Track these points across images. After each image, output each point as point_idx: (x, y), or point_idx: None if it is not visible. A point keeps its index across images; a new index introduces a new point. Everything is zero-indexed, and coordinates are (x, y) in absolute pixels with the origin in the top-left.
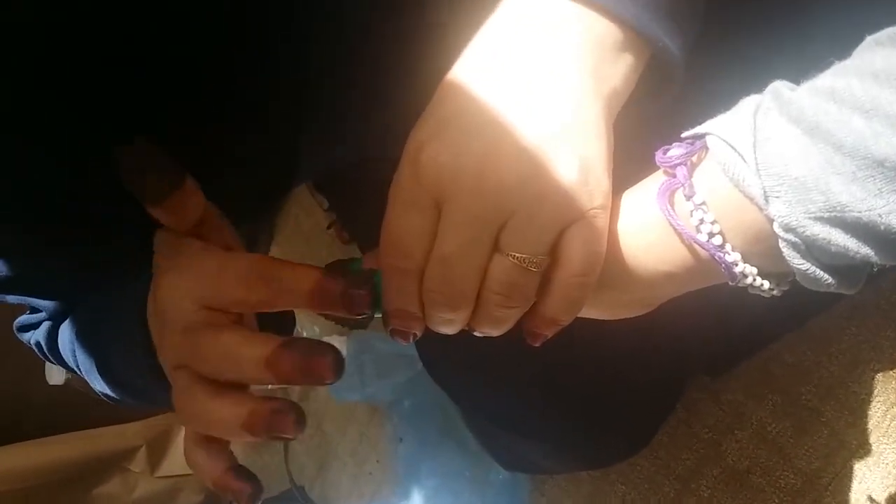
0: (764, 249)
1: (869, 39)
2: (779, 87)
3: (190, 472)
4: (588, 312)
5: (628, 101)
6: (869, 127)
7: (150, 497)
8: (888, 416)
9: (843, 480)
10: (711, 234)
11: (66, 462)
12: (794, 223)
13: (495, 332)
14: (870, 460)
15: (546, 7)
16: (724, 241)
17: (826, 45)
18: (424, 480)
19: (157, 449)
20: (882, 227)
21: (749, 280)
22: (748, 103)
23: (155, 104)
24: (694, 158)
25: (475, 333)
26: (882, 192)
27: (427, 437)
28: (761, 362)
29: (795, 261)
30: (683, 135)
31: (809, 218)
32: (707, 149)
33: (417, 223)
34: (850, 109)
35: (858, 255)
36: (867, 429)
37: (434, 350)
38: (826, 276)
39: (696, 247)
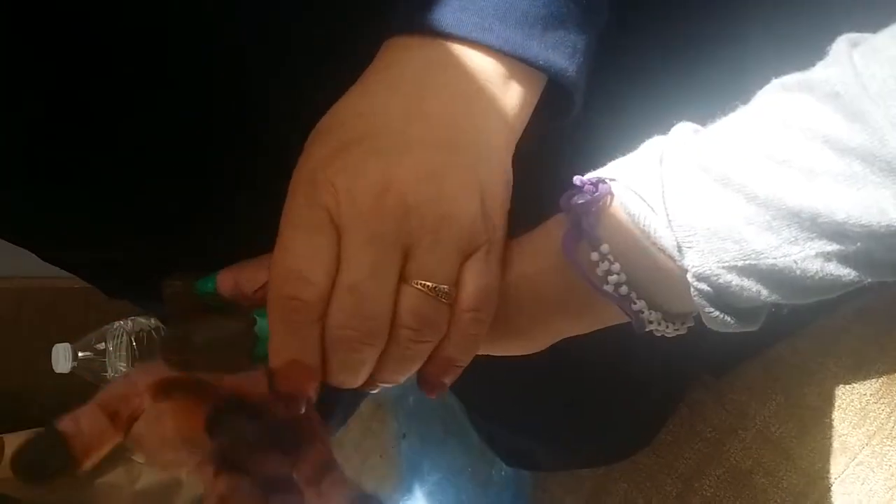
0: (672, 295)
1: (775, 83)
2: (685, 130)
3: None
4: (484, 349)
5: (530, 126)
6: (783, 177)
7: (153, 487)
8: (892, 417)
9: (846, 482)
10: (618, 285)
11: None
12: (708, 272)
13: (399, 378)
14: (873, 462)
15: (435, 49)
16: (630, 289)
17: (731, 76)
18: (427, 476)
19: None
20: (798, 273)
21: (653, 326)
22: (653, 147)
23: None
24: (599, 204)
25: (373, 387)
26: (797, 240)
27: (430, 434)
28: (765, 362)
29: (706, 308)
30: (586, 176)
31: (723, 267)
32: (612, 194)
33: (317, 245)
34: (763, 158)
35: (769, 300)
36: (871, 430)
37: None
38: (731, 318)
39: (601, 296)
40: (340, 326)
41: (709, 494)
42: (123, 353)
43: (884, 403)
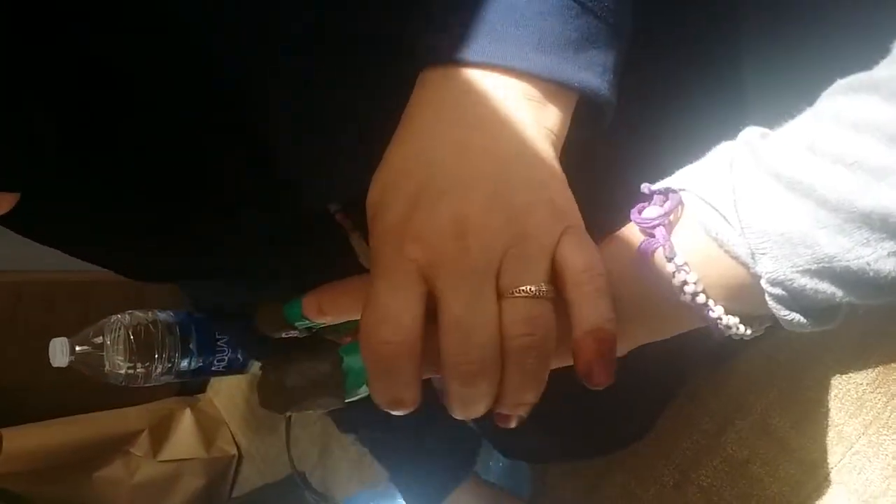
0: (748, 300)
1: (840, 83)
2: (752, 135)
3: (192, 456)
4: (558, 361)
5: (570, 136)
6: (853, 180)
7: (151, 481)
8: (889, 407)
9: (842, 471)
10: (695, 294)
11: (68, 445)
12: (782, 277)
13: (529, 396)
14: (870, 451)
15: (469, 79)
16: (708, 297)
17: (792, 83)
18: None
19: (160, 433)
20: (871, 275)
21: (732, 330)
22: (722, 155)
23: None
24: (671, 216)
25: (510, 421)
26: (869, 242)
27: None
28: (762, 353)
29: (782, 312)
30: (654, 186)
31: (797, 271)
32: (683, 205)
33: (406, 294)
34: (832, 162)
35: (844, 301)
36: (868, 420)
37: None
38: (808, 320)
39: (679, 305)
40: (453, 364)
41: (706, 484)
42: (121, 346)
43: (880, 393)
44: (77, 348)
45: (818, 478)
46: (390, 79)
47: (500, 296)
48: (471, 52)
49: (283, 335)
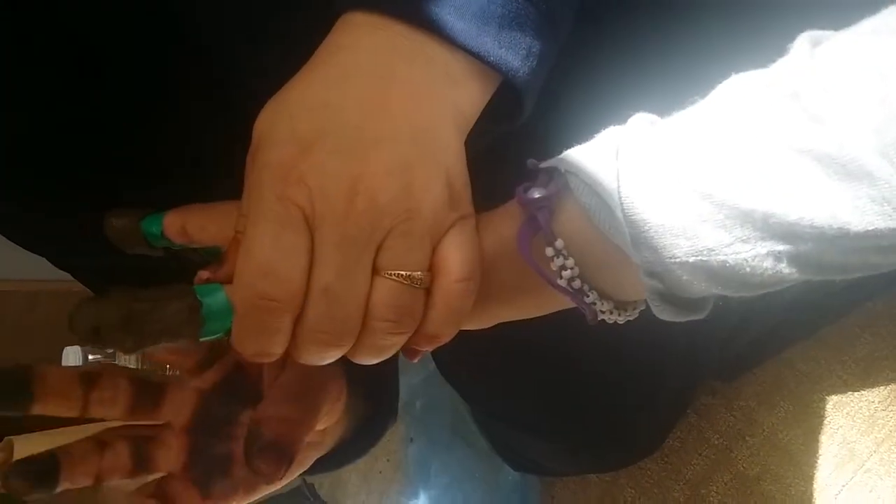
0: (623, 287)
1: (735, 78)
2: (642, 122)
3: None
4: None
5: (481, 120)
6: (738, 175)
7: None
8: None
9: (853, 489)
10: (571, 279)
11: None
12: (659, 268)
13: (373, 361)
14: (881, 469)
15: (390, 33)
16: (583, 283)
17: (692, 68)
18: (434, 480)
19: None
20: (747, 270)
21: (605, 315)
22: (609, 140)
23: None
24: (554, 198)
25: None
26: (749, 239)
27: (438, 438)
28: (774, 369)
29: (655, 301)
30: (541, 165)
31: (674, 263)
32: (568, 188)
33: (291, 243)
34: (719, 156)
35: (717, 293)
36: (880, 438)
37: (447, 351)
38: (678, 309)
39: (554, 289)
40: (313, 330)
41: (716, 501)
42: (133, 355)
43: (892, 411)
44: (89, 357)
45: (829, 495)
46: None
47: (375, 270)
48: (390, 3)
49: (135, 252)
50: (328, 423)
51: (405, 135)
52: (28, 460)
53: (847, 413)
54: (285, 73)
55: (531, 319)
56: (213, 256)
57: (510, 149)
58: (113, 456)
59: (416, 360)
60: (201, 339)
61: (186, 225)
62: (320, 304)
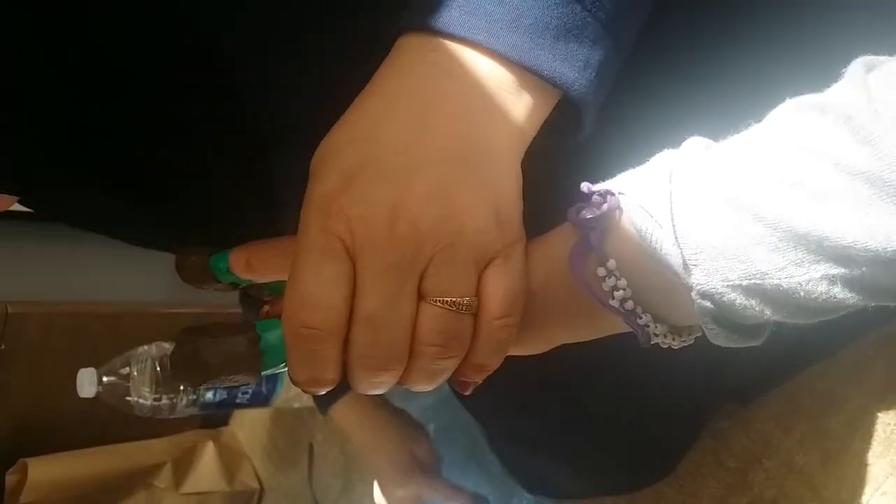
0: (676, 310)
1: (789, 103)
2: (695, 146)
3: (214, 489)
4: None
5: (539, 137)
6: (793, 200)
7: None
8: None
9: None
10: (624, 300)
11: (92, 476)
12: (713, 290)
13: (429, 387)
14: None
15: (441, 53)
16: (636, 304)
17: (744, 93)
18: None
19: (183, 465)
20: (802, 294)
21: (659, 339)
22: (663, 163)
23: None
24: (607, 220)
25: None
26: (803, 263)
27: (451, 460)
28: (790, 391)
29: (709, 325)
30: (594, 187)
31: (728, 286)
32: (620, 209)
33: (331, 274)
34: (774, 180)
35: (772, 318)
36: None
37: None
38: (733, 334)
39: (606, 310)
40: (361, 356)
41: None
42: (147, 378)
43: None
44: (104, 379)
45: None
46: (369, 42)
47: (421, 296)
48: (440, 20)
49: (206, 288)
50: None
51: (449, 156)
52: None
53: (863, 436)
54: (301, 89)
55: None
56: (278, 289)
57: (562, 171)
58: None
59: (467, 393)
60: (263, 373)
61: (251, 259)
62: (365, 331)
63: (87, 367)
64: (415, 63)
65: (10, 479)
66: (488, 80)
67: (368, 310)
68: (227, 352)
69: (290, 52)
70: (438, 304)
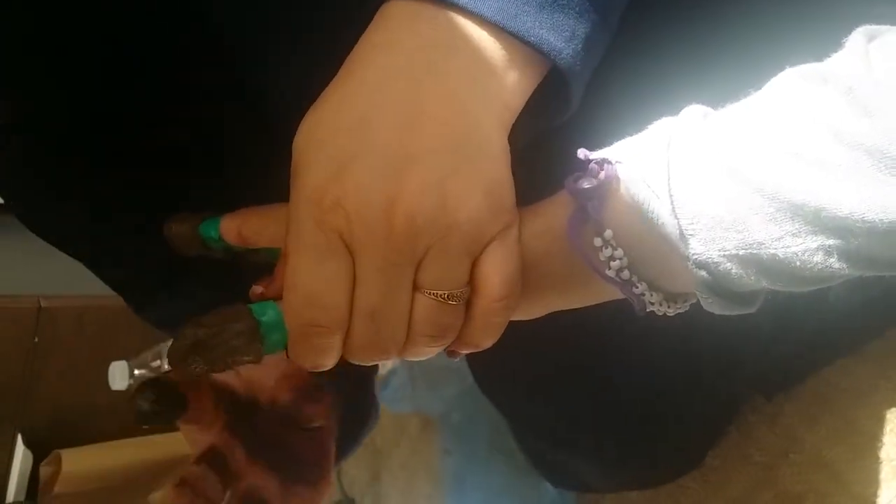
0: (672, 279)
1: (789, 71)
2: (694, 114)
3: None
4: None
5: (526, 111)
6: (790, 169)
7: None
8: None
9: None
10: (620, 269)
11: (123, 467)
12: (709, 260)
13: (421, 358)
14: None
15: (427, 23)
16: (632, 273)
17: (744, 61)
18: (470, 494)
19: None
20: (797, 264)
21: (654, 307)
22: (661, 130)
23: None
24: (604, 189)
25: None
26: (800, 233)
27: (475, 451)
28: (817, 386)
29: (704, 294)
30: (591, 155)
31: (724, 256)
32: (618, 178)
33: (332, 270)
34: (772, 149)
35: (767, 287)
36: None
37: (484, 364)
38: (730, 303)
39: (602, 279)
40: (361, 346)
41: None
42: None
43: None
44: (135, 372)
45: None
46: (356, 6)
47: (415, 287)
48: None
49: (196, 254)
50: None
51: (442, 146)
52: None
53: (891, 430)
54: (310, 71)
55: (569, 333)
56: (272, 256)
57: (554, 141)
58: None
59: (457, 360)
60: (265, 355)
61: (242, 228)
62: (367, 324)
63: (118, 360)
64: (403, 36)
65: (45, 470)
66: (477, 51)
67: (370, 304)
68: (227, 340)
69: (280, 22)
70: (433, 295)
